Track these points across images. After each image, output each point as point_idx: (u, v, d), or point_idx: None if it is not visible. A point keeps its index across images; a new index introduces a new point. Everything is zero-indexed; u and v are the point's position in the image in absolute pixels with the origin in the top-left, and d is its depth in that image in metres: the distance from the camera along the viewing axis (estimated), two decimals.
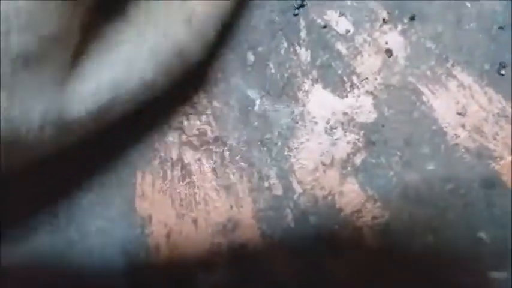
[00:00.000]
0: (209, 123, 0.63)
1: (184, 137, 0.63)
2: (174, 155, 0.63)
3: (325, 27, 0.61)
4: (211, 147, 0.62)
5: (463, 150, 0.57)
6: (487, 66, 0.58)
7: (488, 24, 0.58)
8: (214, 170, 0.61)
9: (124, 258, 0.62)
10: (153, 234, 0.62)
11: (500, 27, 0.58)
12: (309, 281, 0.58)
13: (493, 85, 0.57)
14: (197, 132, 0.62)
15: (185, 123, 0.63)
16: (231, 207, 0.61)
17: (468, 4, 0.59)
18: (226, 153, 0.62)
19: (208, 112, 0.63)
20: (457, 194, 0.56)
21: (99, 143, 0.63)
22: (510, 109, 0.56)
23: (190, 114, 0.63)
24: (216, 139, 0.62)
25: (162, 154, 0.63)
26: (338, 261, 0.58)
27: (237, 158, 0.61)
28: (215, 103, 0.63)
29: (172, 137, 0.63)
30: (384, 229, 0.57)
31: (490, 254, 0.55)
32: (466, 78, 0.58)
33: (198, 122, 0.63)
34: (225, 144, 0.62)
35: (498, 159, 0.56)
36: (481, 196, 0.56)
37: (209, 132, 0.63)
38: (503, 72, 0.57)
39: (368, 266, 0.57)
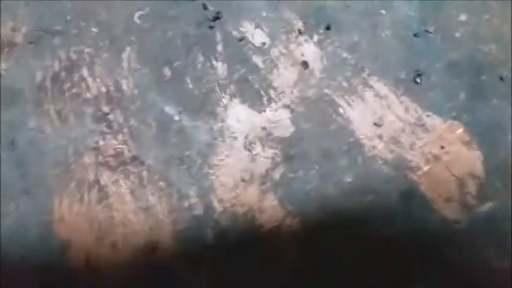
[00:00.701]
0: (126, 143, 0.61)
1: (100, 158, 0.61)
2: (91, 176, 0.61)
3: (241, 39, 0.60)
4: (128, 167, 0.60)
5: (380, 161, 0.56)
6: (402, 75, 0.57)
7: (403, 31, 0.57)
8: (132, 191, 0.60)
9: (42, 286, 0.60)
10: (72, 260, 0.60)
11: (415, 35, 0.57)
12: None
13: (409, 94, 0.56)
14: (113, 152, 0.60)
15: (101, 142, 0.61)
16: (150, 229, 0.59)
17: (383, 11, 0.58)
18: (145, 173, 0.60)
19: (125, 131, 0.61)
20: (376, 206, 0.55)
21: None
22: (426, 118, 0.56)
23: (106, 133, 0.61)
24: (134, 159, 0.60)
25: (79, 176, 0.61)
26: (259, 277, 0.56)
27: (156, 177, 0.60)
28: (132, 121, 0.61)
29: (88, 158, 0.61)
30: (303, 244, 0.56)
31: (412, 266, 0.54)
32: (382, 88, 0.57)
33: (114, 142, 0.61)
34: (142, 163, 0.60)
35: (416, 169, 0.55)
36: (400, 208, 0.55)
37: (126, 152, 0.61)
38: (418, 80, 0.56)
39: (288, 283, 0.56)
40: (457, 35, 0.56)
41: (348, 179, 0.56)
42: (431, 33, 0.57)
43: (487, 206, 0.54)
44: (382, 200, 0.55)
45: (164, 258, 0.59)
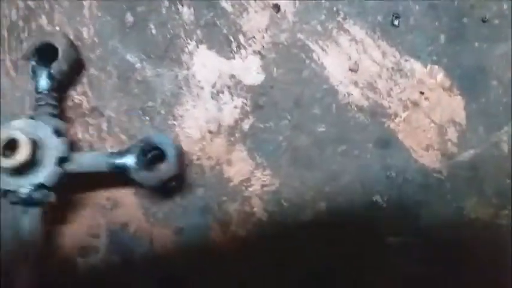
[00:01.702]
0: (85, 93, 0.57)
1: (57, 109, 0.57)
2: None
3: None
4: (87, 119, 0.56)
5: (355, 109, 0.52)
6: (380, 18, 0.53)
7: None
8: (91, 144, 0.56)
9: None
10: None
11: None
12: (194, 257, 0.53)
13: (386, 38, 0.53)
14: (71, 104, 0.56)
15: None
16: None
17: None
18: (104, 125, 0.56)
19: (84, 80, 0.57)
20: (350, 156, 0.52)
21: None
22: (404, 62, 0.52)
23: None
24: (93, 109, 0.56)
25: None
26: (226, 234, 0.53)
27: (116, 129, 0.56)
28: (91, 70, 0.57)
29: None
30: (273, 198, 0.53)
31: (385, 219, 0.51)
32: (358, 32, 0.53)
33: (72, 92, 0.57)
34: (102, 114, 0.56)
35: (393, 116, 0.52)
36: (376, 157, 0.52)
37: (85, 103, 0.56)
38: (396, 23, 0.53)
39: (256, 238, 0.52)
40: None
41: (321, 128, 0.53)
42: None
43: (469, 153, 0.50)
44: (357, 149, 0.52)
45: (125, 215, 0.55)
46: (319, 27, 0.54)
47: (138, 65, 0.56)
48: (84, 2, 0.58)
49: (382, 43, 0.53)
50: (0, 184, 0.47)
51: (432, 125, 0.52)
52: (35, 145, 0.47)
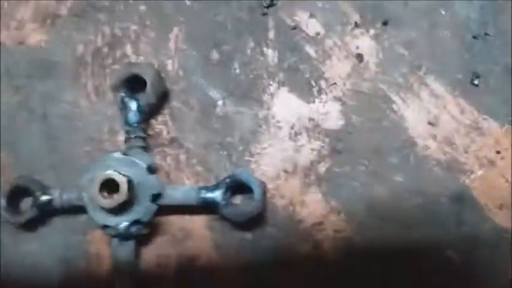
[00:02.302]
0: (165, 123, 0.58)
1: None
2: None
3: (294, 28, 0.58)
4: (166, 149, 0.58)
5: (433, 162, 0.54)
6: (460, 76, 0.55)
7: (462, 32, 0.56)
8: (168, 173, 0.57)
9: (62, 267, 0.56)
10: (94, 241, 0.57)
11: (474, 37, 0.55)
12: None
13: (465, 96, 0.54)
14: (152, 132, 0.58)
15: None
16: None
17: (443, 11, 0.56)
18: (182, 156, 0.57)
19: (166, 111, 0.59)
20: (426, 208, 0.53)
21: None
22: (482, 121, 0.54)
23: None
24: (172, 140, 0.58)
25: None
26: (294, 276, 0.53)
27: (194, 161, 0.57)
28: (174, 102, 0.59)
29: (123, 136, 0.58)
30: (346, 244, 0.53)
31: (458, 275, 0.51)
32: (439, 88, 0.55)
33: (153, 121, 0.58)
34: (181, 146, 0.57)
35: (469, 173, 0.53)
36: (451, 212, 0.53)
37: (165, 133, 0.58)
38: (476, 82, 0.55)
39: (326, 283, 0.53)
40: None
41: (398, 178, 0.54)
42: (490, 36, 0.55)
43: None
44: (432, 202, 0.53)
45: (196, 247, 0.55)
46: (400, 80, 0.55)
47: (219, 102, 0.58)
48: (170, 35, 0.61)
49: (461, 100, 0.54)
50: (99, 219, 0.49)
51: (507, 184, 0.52)
52: (132, 184, 0.49)
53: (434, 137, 0.54)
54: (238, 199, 0.54)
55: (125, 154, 0.52)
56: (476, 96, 0.54)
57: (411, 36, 0.56)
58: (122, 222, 0.49)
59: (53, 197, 0.54)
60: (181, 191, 0.52)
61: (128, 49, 0.61)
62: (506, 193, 0.52)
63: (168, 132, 0.58)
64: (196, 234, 0.56)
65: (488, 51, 0.55)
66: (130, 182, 0.49)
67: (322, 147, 0.55)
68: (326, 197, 0.54)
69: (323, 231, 0.54)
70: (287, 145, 0.56)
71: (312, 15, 0.58)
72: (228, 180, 0.51)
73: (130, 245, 0.51)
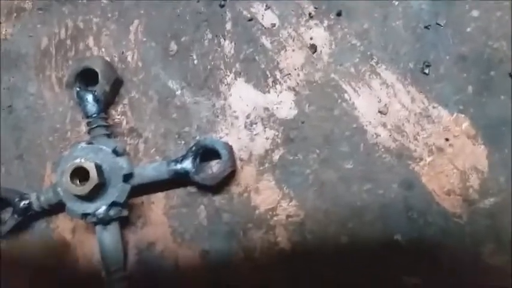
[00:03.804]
0: (125, 114, 0.60)
1: None
2: None
3: (251, 20, 0.59)
4: (125, 138, 0.59)
5: (382, 149, 0.55)
6: (411, 65, 0.56)
7: (414, 22, 0.57)
8: None
9: None
10: (58, 229, 0.58)
11: (426, 27, 0.56)
12: (218, 280, 0.55)
13: (416, 84, 0.56)
14: (111, 123, 0.59)
15: None
16: (142, 203, 0.57)
17: (395, 2, 0.57)
18: (141, 146, 0.59)
19: (125, 102, 0.60)
20: (375, 194, 0.54)
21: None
22: (432, 109, 0.55)
23: None
24: (131, 130, 0.59)
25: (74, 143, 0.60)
26: (249, 261, 0.55)
27: (152, 151, 0.58)
28: (133, 93, 0.60)
29: (84, 127, 0.59)
30: (298, 228, 0.55)
31: (404, 258, 0.52)
32: (390, 77, 0.56)
33: (113, 112, 0.60)
34: (140, 136, 0.59)
35: (418, 160, 0.54)
36: (399, 197, 0.54)
37: (124, 123, 0.60)
38: (427, 71, 0.56)
39: (279, 266, 0.54)
40: (468, 29, 0.55)
41: (348, 166, 0.55)
42: (442, 26, 0.56)
43: (489, 201, 0.52)
44: (381, 188, 0.54)
45: (154, 234, 0.57)
46: (352, 69, 0.57)
47: (178, 92, 0.59)
48: (131, 27, 0.62)
49: (412, 89, 0.55)
50: (77, 210, 0.51)
51: (455, 170, 0.54)
52: (100, 169, 0.50)
53: (384, 125, 0.55)
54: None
55: (89, 143, 0.53)
56: (426, 84, 0.55)
57: (364, 26, 0.57)
58: (101, 207, 0.51)
59: (31, 200, 0.56)
60: (152, 167, 0.54)
61: (91, 41, 0.63)
62: (455, 179, 0.54)
63: (127, 123, 0.60)
64: (154, 221, 0.57)
65: (439, 41, 0.56)
66: (98, 167, 0.50)
67: (276, 135, 0.57)
68: (279, 183, 0.56)
69: (276, 217, 0.55)
70: (243, 134, 0.57)
71: (267, 7, 0.59)
72: (194, 148, 0.53)
73: (114, 228, 0.53)
